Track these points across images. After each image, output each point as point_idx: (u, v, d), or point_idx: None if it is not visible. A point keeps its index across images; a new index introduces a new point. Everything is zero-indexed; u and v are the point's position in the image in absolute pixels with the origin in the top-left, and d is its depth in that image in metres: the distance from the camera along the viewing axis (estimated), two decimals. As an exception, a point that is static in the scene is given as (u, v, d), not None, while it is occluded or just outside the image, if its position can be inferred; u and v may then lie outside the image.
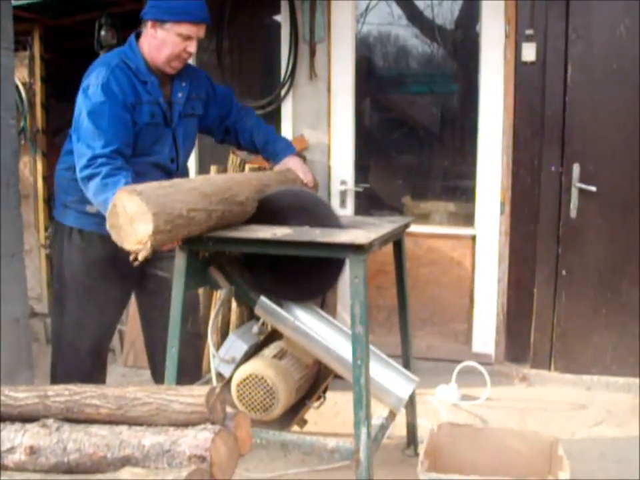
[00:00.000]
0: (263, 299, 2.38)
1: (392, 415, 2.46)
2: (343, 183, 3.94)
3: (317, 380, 2.59)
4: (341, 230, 2.26)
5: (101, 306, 2.81)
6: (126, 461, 1.41)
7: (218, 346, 2.54)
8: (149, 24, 2.60)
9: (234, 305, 3.56)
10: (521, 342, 3.79)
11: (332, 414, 3.28)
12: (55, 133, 4.82)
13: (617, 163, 3.53)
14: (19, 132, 4.23)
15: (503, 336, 3.82)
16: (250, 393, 2.32)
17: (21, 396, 1.54)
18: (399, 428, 3.00)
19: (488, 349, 3.85)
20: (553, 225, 3.65)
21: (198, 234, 2.15)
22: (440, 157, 4.20)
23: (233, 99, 2.98)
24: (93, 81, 2.54)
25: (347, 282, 2.21)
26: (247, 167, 3.65)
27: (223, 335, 3.45)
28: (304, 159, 3.60)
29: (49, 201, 4.52)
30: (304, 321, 2.39)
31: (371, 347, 2.29)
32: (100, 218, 2.32)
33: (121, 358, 4.13)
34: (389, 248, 2.75)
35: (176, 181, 2.21)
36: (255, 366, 2.34)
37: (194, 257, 2.29)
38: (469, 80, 3.93)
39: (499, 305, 3.81)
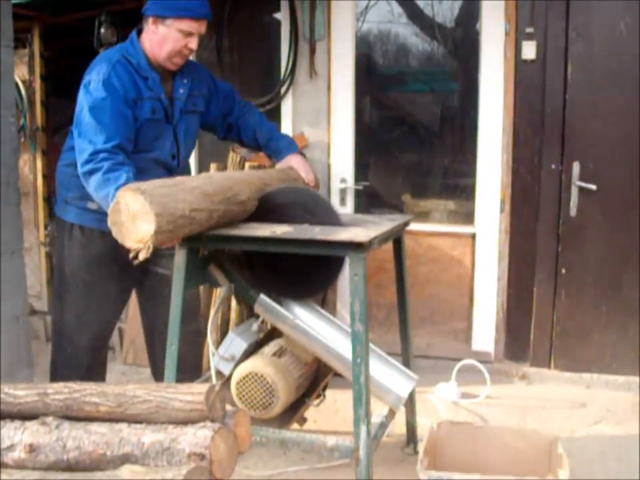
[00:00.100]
0: (263, 296, 2.38)
1: (391, 413, 2.46)
2: (343, 180, 3.94)
3: (316, 378, 2.59)
4: (341, 228, 2.26)
5: (101, 302, 2.81)
6: (125, 459, 1.41)
7: (217, 344, 2.55)
8: (150, 20, 2.61)
9: (233, 302, 3.56)
10: (521, 340, 3.79)
11: (331, 412, 3.28)
12: (55, 131, 4.82)
13: (616, 161, 3.53)
14: (19, 130, 4.22)
15: (503, 334, 3.82)
16: (249, 391, 2.32)
17: (20, 394, 1.54)
18: (398, 426, 3.00)
19: (488, 347, 3.85)
20: (553, 223, 3.65)
21: (198, 232, 2.15)
22: (440, 155, 4.20)
23: (235, 95, 2.98)
24: (95, 77, 2.54)
25: (346, 280, 2.21)
26: (247, 164, 3.65)
27: (223, 332, 3.45)
28: (304, 157, 3.59)
29: (49, 198, 4.52)
30: (303, 318, 2.39)
31: (371, 345, 2.29)
32: (101, 214, 2.32)
33: (120, 356, 4.13)
34: (389, 246, 2.75)
35: (179, 179, 2.20)
36: (255, 364, 2.34)
37: (194, 255, 2.29)
38: (469, 78, 3.93)
39: (499, 303, 3.81)
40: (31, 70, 4.42)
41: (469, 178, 3.89)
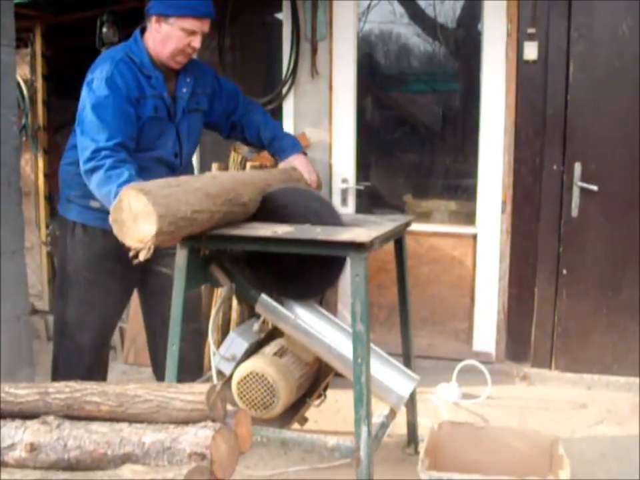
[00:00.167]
0: (264, 296, 2.38)
1: (392, 414, 2.46)
2: (345, 181, 3.94)
3: (317, 378, 2.59)
4: (342, 228, 2.26)
5: (103, 300, 2.81)
6: (126, 458, 1.41)
7: (219, 344, 2.54)
8: (153, 18, 2.61)
9: (235, 302, 3.56)
10: (522, 341, 3.79)
11: (332, 412, 3.28)
12: (57, 130, 4.82)
13: (618, 162, 3.53)
14: (20, 129, 4.23)
15: (504, 335, 3.82)
16: (250, 391, 2.32)
17: (21, 393, 1.54)
18: (399, 426, 3.00)
19: (489, 347, 3.85)
20: (554, 223, 3.64)
21: (199, 233, 2.15)
22: (441, 155, 4.20)
23: (239, 94, 2.98)
24: (98, 75, 2.55)
25: (347, 280, 2.21)
26: (248, 164, 3.64)
27: (224, 332, 3.45)
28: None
29: (50, 198, 4.53)
30: (305, 318, 2.39)
31: (372, 345, 2.29)
32: (103, 213, 2.32)
33: (121, 355, 4.13)
34: (390, 246, 2.75)
35: (182, 179, 2.20)
36: (256, 364, 2.34)
37: (195, 255, 2.29)
38: (470, 78, 3.93)
39: (500, 303, 3.81)
40: (33, 69, 4.43)
41: (470, 178, 3.89)
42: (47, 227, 4.55)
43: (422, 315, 3.89)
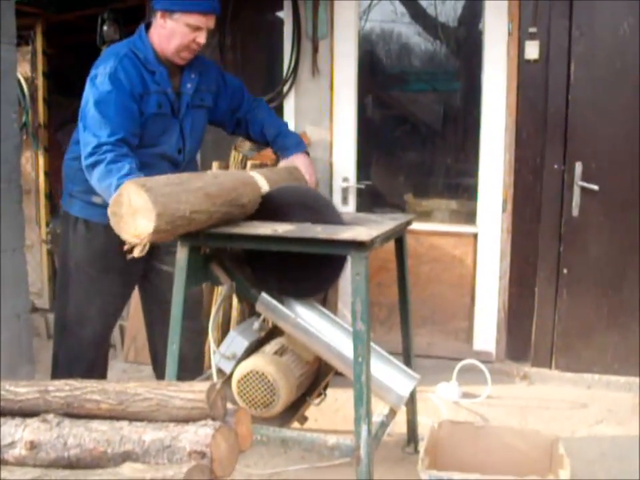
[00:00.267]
0: (264, 295, 2.38)
1: (392, 413, 2.46)
2: (345, 179, 3.94)
3: (317, 377, 2.59)
4: (343, 227, 2.25)
5: (104, 296, 2.82)
6: (126, 457, 1.41)
7: (219, 342, 2.54)
8: (159, 14, 2.61)
9: (235, 301, 3.56)
10: (522, 340, 3.79)
11: (332, 411, 3.28)
12: (57, 128, 4.82)
13: (619, 161, 3.53)
14: (21, 127, 4.23)
15: (504, 334, 3.82)
16: (250, 390, 2.32)
17: (21, 391, 1.54)
18: (399, 425, 2.99)
19: (489, 346, 3.85)
20: (555, 223, 3.64)
21: (196, 231, 2.15)
22: (442, 154, 4.20)
23: (244, 91, 2.98)
24: (101, 71, 2.55)
25: (348, 279, 2.21)
26: (249, 163, 3.64)
27: (224, 331, 3.45)
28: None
29: (51, 196, 4.53)
30: (305, 317, 2.39)
31: (372, 344, 2.28)
32: (106, 209, 2.31)
33: (121, 353, 4.13)
34: (391, 245, 2.75)
35: (184, 177, 2.19)
36: (256, 362, 2.34)
37: (195, 253, 2.29)
38: (471, 77, 3.93)
39: (500, 302, 3.81)
40: (34, 67, 4.43)
41: (471, 177, 3.88)
42: (48, 224, 4.54)
43: (422, 314, 3.89)
